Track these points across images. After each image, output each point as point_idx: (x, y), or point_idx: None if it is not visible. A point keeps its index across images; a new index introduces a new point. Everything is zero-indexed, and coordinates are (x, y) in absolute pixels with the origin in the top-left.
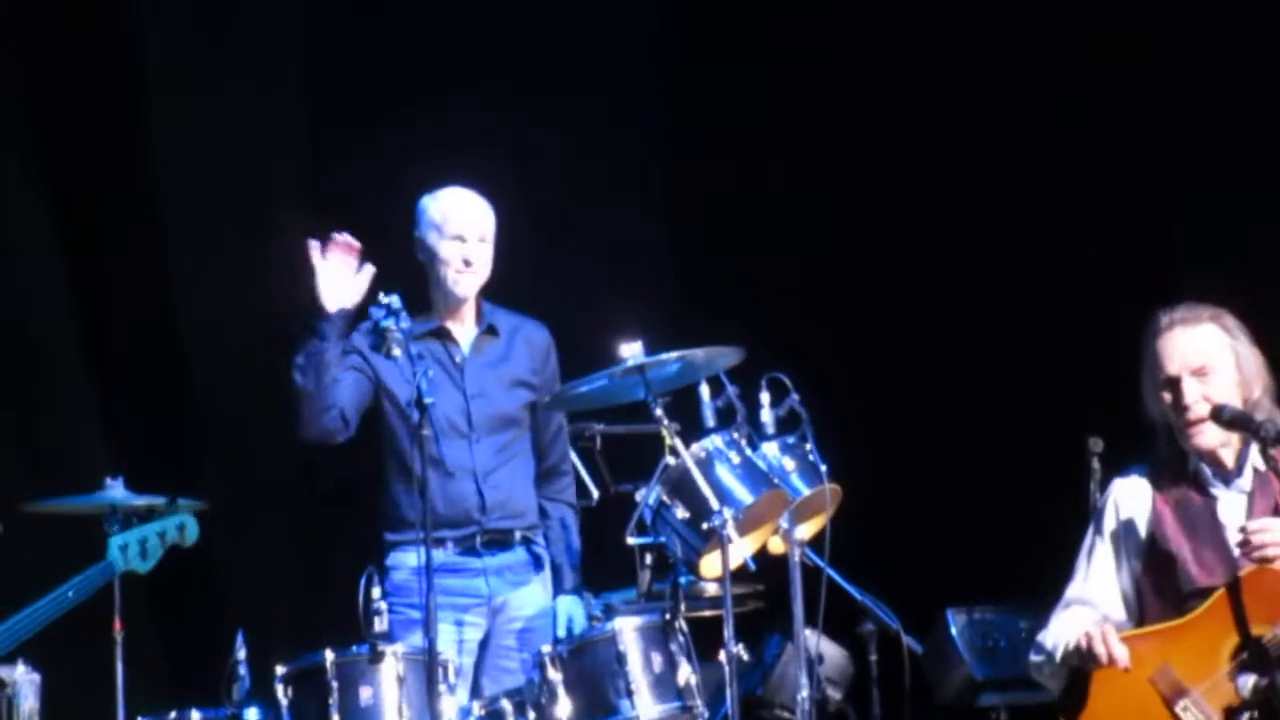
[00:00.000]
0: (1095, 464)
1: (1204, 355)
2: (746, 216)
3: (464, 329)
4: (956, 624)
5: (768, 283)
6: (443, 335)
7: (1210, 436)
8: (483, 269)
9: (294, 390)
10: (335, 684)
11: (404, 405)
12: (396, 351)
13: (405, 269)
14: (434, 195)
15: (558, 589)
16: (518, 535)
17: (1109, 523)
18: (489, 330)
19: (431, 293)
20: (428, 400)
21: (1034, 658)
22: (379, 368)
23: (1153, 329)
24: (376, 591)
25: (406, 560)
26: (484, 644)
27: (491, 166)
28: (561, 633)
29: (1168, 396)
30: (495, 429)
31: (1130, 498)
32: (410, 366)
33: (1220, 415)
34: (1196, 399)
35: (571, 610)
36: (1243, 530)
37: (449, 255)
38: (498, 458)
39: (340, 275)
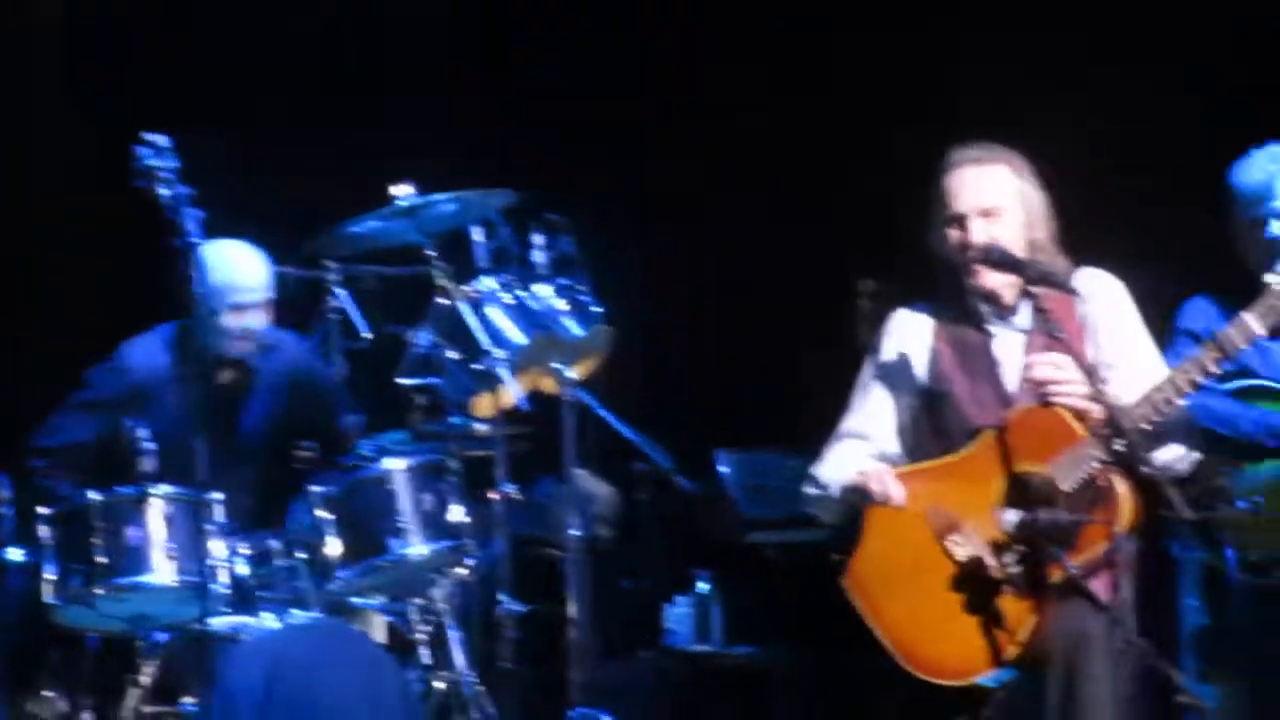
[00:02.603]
0: (865, 305)
1: (994, 196)
2: (523, 51)
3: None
4: (727, 464)
5: (542, 122)
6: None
7: (992, 276)
8: (261, 330)
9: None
10: (101, 524)
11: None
12: (164, 191)
13: None
14: (209, 246)
15: None
16: None
17: (886, 356)
18: (254, 370)
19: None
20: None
21: (809, 490)
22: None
23: (943, 165)
24: (143, 433)
25: None
26: None
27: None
28: None
29: (954, 234)
30: (255, 459)
31: (908, 333)
32: None
33: (988, 255)
34: (983, 239)
35: None
36: (1029, 366)
37: (230, 324)
38: (254, 479)
39: None
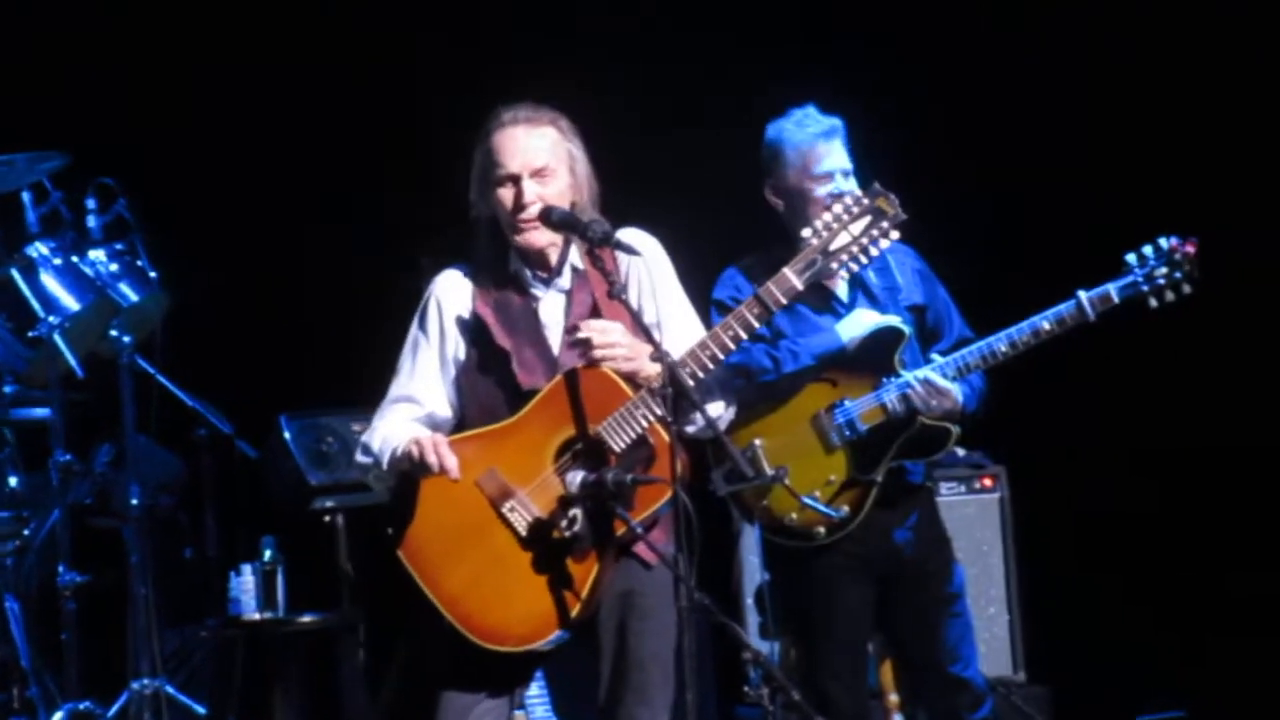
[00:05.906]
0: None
1: (545, 156)
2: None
3: None
4: (290, 429)
5: (101, 84)
6: None
7: (540, 236)
8: None
9: None
10: None
11: None
12: None
13: None
14: None
15: None
16: None
17: (431, 321)
18: None
19: None
20: None
21: (361, 458)
22: None
23: (491, 125)
24: None
25: None
26: None
27: None
28: None
29: (505, 194)
30: None
31: (451, 296)
32: None
33: (549, 217)
34: (534, 198)
35: None
36: (575, 329)
37: None
38: None
39: None
